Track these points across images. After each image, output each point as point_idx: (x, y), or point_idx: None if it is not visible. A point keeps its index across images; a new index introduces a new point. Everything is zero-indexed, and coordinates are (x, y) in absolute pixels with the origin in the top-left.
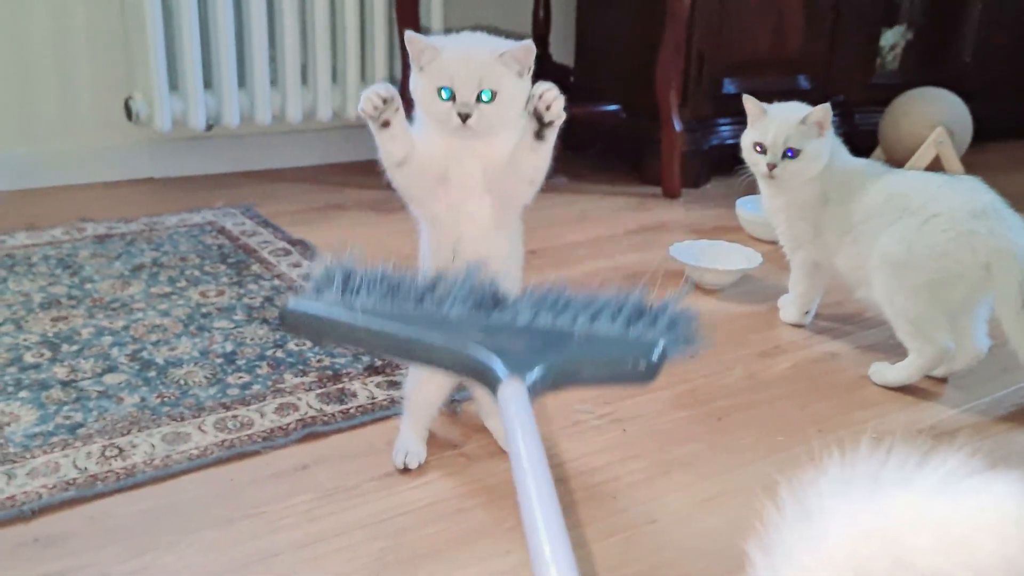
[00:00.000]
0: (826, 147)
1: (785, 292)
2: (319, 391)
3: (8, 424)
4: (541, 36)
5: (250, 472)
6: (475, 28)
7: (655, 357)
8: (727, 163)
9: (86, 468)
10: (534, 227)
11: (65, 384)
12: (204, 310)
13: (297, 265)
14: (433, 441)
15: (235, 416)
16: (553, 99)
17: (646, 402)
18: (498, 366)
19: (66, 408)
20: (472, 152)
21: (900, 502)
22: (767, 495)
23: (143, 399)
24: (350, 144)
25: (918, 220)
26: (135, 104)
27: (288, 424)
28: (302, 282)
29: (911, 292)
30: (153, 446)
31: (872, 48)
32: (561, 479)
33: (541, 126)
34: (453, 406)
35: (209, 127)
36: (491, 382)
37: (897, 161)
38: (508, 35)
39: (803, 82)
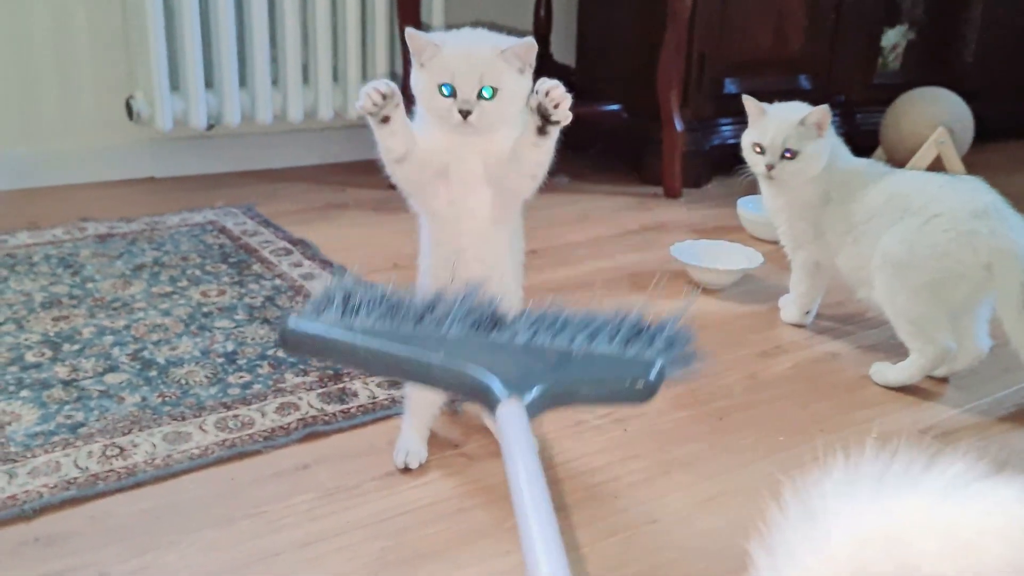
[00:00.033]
0: (825, 148)
1: (786, 292)
2: (320, 390)
3: (9, 423)
4: (542, 35)
5: (251, 472)
6: (476, 24)
7: (653, 376)
8: (728, 163)
9: (87, 467)
10: (534, 227)
11: (66, 383)
12: (205, 310)
13: (298, 265)
14: (434, 441)
15: (236, 415)
16: (561, 98)
17: None
18: (496, 386)
19: (67, 407)
20: (473, 148)
21: (905, 505)
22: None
23: (144, 398)
24: (351, 144)
25: (919, 220)
26: (136, 104)
27: (289, 423)
28: (302, 302)
29: (912, 292)
30: (154, 445)
31: (873, 48)
32: (562, 479)
33: (545, 123)
34: (454, 406)
35: (210, 127)
36: (489, 402)
37: (898, 161)
38: (509, 32)
39: (804, 82)
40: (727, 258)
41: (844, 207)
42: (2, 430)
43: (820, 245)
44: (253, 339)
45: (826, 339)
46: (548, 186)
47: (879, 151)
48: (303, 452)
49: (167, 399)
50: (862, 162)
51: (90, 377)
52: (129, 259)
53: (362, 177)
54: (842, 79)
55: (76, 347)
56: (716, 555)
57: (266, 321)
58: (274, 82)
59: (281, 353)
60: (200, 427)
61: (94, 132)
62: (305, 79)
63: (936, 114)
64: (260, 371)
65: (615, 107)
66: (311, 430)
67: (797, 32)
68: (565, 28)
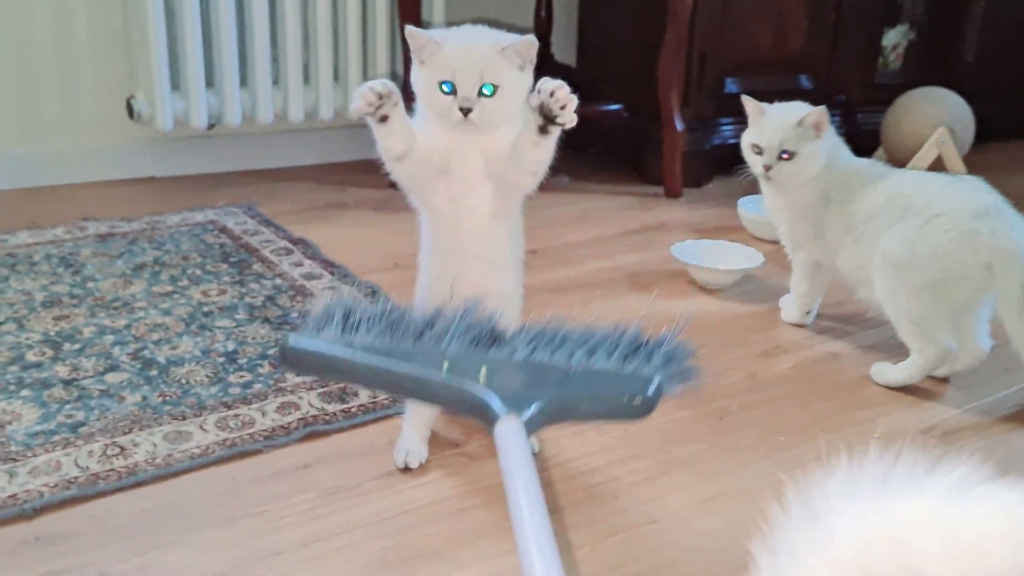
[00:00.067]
0: (823, 149)
1: (786, 292)
2: (320, 390)
3: (10, 423)
4: (543, 35)
5: (251, 471)
6: (476, 22)
7: (651, 392)
8: (729, 163)
9: (88, 467)
10: (535, 227)
11: (67, 383)
12: (206, 309)
13: (299, 264)
14: (434, 440)
15: (237, 415)
16: (567, 100)
17: None
18: (495, 403)
19: (68, 407)
20: (473, 145)
21: (909, 506)
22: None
23: (145, 398)
24: (352, 143)
25: (920, 220)
26: (137, 103)
27: (290, 423)
28: (302, 308)
29: (913, 292)
30: (155, 445)
31: (874, 48)
32: (562, 478)
33: (547, 122)
34: None
35: (211, 126)
36: (488, 419)
37: (899, 161)
38: (510, 29)
39: (805, 82)
40: (728, 258)
41: (845, 207)
42: (3, 429)
43: (820, 245)
44: (254, 338)
45: (827, 339)
46: (548, 186)
47: (880, 151)
48: (304, 451)
49: (168, 398)
50: (863, 162)
51: (91, 376)
52: (130, 258)
53: (363, 177)
54: (843, 79)
55: (77, 346)
56: (716, 555)
57: (267, 321)
58: (275, 82)
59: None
60: (201, 426)
61: (95, 132)
62: (306, 79)
63: (937, 114)
64: (261, 370)
65: (616, 107)
66: (312, 429)
67: (797, 32)
68: (566, 28)
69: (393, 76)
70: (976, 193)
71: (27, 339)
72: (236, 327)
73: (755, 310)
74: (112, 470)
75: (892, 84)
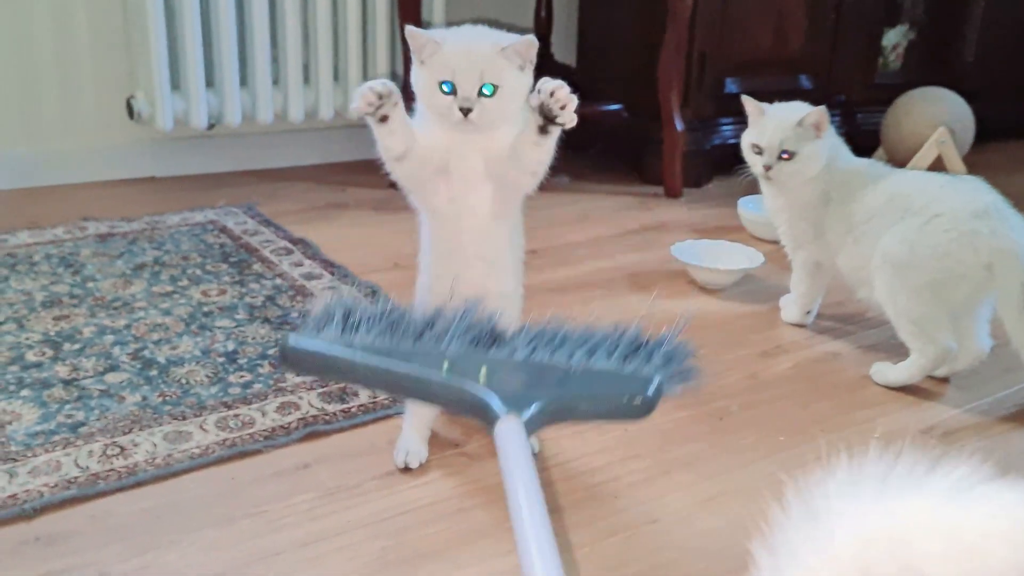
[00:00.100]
0: (823, 149)
1: (787, 292)
2: (320, 390)
3: (10, 423)
4: (543, 35)
5: (252, 471)
6: (476, 21)
7: (651, 392)
8: (729, 163)
9: (88, 467)
10: (535, 227)
11: (67, 383)
12: (206, 309)
13: (299, 264)
14: (434, 440)
15: (237, 415)
16: (567, 100)
17: None
18: (495, 403)
19: (68, 407)
20: (473, 145)
21: (909, 506)
22: (770, 495)
23: (145, 398)
24: (352, 143)
25: (920, 220)
26: (137, 103)
27: (290, 423)
28: (302, 307)
29: (913, 292)
30: (155, 445)
31: (874, 48)
32: (562, 478)
33: (547, 122)
34: None
35: (211, 126)
36: (488, 419)
37: (899, 161)
38: (510, 29)
39: (805, 82)
40: (728, 258)
41: (845, 207)
42: (3, 429)
43: (821, 245)
44: (254, 338)
45: (827, 339)
46: (548, 186)
47: (880, 151)
48: (304, 451)
49: (168, 398)
50: (863, 162)
51: (91, 376)
52: (130, 258)
53: (363, 177)
54: (843, 79)
55: (77, 346)
56: (716, 555)
57: (267, 320)
58: (275, 82)
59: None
60: (201, 426)
61: (95, 132)
62: (306, 79)
63: (937, 114)
64: (261, 370)
65: (616, 107)
66: (312, 429)
67: (797, 32)
68: (566, 28)
69: (393, 76)
70: (976, 193)
71: (27, 339)
72: (236, 327)
73: (755, 310)
74: (112, 470)
75: (892, 84)
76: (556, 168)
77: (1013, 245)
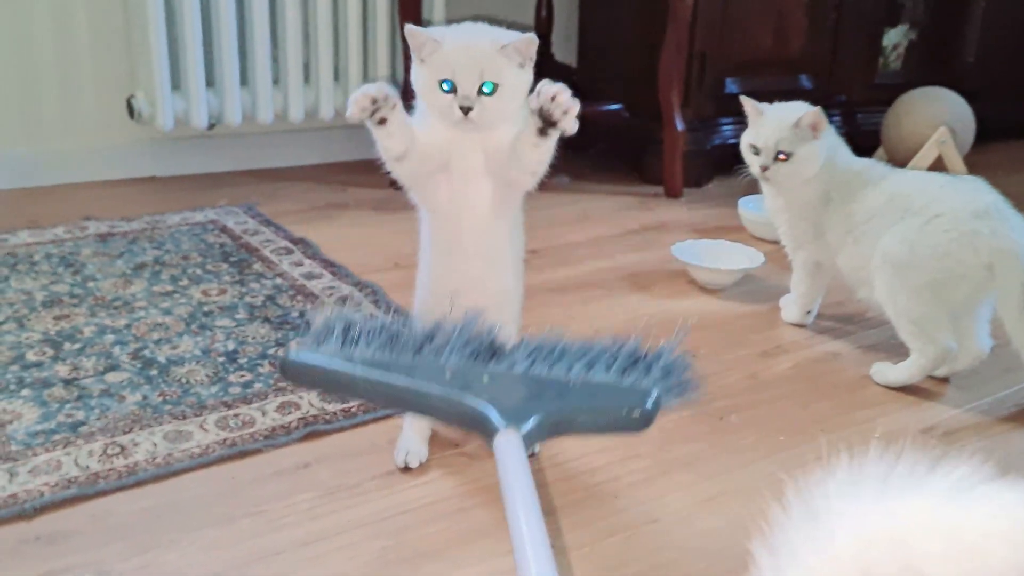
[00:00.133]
0: (820, 150)
1: (787, 292)
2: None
3: (10, 422)
4: (543, 35)
5: (252, 470)
6: (476, 19)
7: (649, 405)
8: (729, 163)
9: (88, 466)
10: (535, 227)
11: (67, 382)
12: (206, 309)
13: (299, 264)
14: (434, 440)
15: (237, 414)
16: (569, 105)
17: None
18: (494, 416)
19: (68, 406)
20: (474, 142)
21: (910, 506)
22: (770, 495)
23: (145, 397)
24: (352, 143)
25: (920, 220)
26: (137, 103)
27: (290, 422)
28: (302, 333)
29: (913, 292)
30: (155, 444)
31: (875, 48)
32: (562, 478)
33: (546, 125)
34: None
35: (211, 126)
36: (487, 432)
37: (899, 161)
38: (510, 27)
39: (805, 82)
40: (728, 258)
41: (845, 207)
42: (3, 429)
43: (821, 245)
44: (254, 338)
45: (827, 339)
46: (548, 186)
47: (880, 151)
48: (304, 451)
49: (168, 398)
50: (863, 162)
51: (91, 376)
52: (130, 258)
53: (363, 176)
54: (843, 79)
55: (77, 346)
56: (716, 555)
57: (267, 320)
58: (275, 81)
59: (283, 352)
60: (201, 426)
61: (95, 131)
62: (306, 78)
63: (937, 114)
64: (261, 370)
65: (616, 107)
66: (312, 429)
67: (798, 32)
68: (566, 27)
69: (393, 74)
70: (977, 193)
71: (27, 339)
72: (236, 327)
73: (755, 310)
74: (112, 469)
75: (893, 84)
76: (556, 168)
77: (1013, 245)
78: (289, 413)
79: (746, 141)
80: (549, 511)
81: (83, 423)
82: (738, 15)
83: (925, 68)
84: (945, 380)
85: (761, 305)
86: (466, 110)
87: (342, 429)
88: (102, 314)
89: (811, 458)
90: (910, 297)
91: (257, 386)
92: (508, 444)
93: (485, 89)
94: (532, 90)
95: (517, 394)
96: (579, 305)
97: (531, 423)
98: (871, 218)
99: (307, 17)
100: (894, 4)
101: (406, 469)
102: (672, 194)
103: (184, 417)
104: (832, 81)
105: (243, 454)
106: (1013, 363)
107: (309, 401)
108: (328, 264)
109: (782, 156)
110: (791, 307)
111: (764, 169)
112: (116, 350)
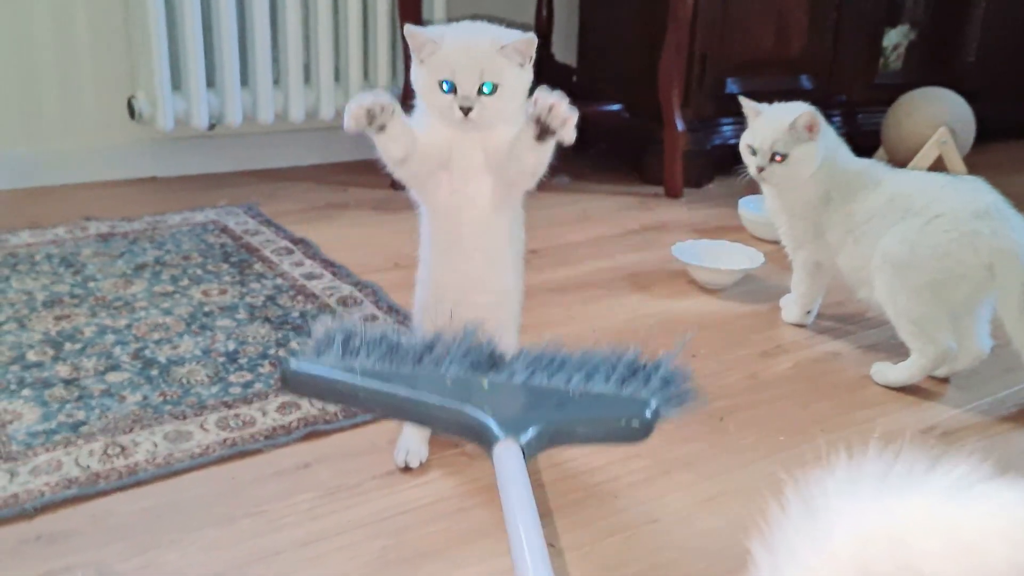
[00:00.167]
0: (816, 150)
1: (787, 292)
2: None
3: (11, 422)
4: (544, 35)
5: (252, 470)
6: (475, 17)
7: (648, 415)
8: (729, 163)
9: (88, 466)
10: (535, 227)
11: (68, 382)
12: (206, 309)
13: (299, 264)
14: (434, 440)
15: (237, 415)
16: (567, 116)
17: None
18: (494, 426)
19: (68, 406)
20: (474, 141)
21: (908, 505)
22: (770, 494)
23: (145, 397)
24: (352, 143)
25: (921, 220)
26: (138, 103)
27: (290, 422)
28: (303, 344)
29: (913, 292)
30: (155, 444)
31: (875, 48)
32: (562, 478)
33: (543, 133)
34: None
35: (212, 126)
36: (487, 442)
37: (900, 161)
38: (510, 26)
39: (806, 82)
40: (728, 258)
41: (845, 207)
42: (4, 429)
43: (821, 245)
44: (254, 338)
45: (827, 339)
46: (548, 186)
47: (880, 151)
48: (304, 451)
49: (168, 398)
50: (863, 162)
51: (91, 376)
52: (131, 258)
53: (363, 177)
54: (843, 79)
55: (77, 346)
56: (716, 555)
57: (267, 320)
58: (276, 82)
59: (283, 352)
60: (201, 426)
61: (96, 132)
62: (307, 79)
63: (937, 114)
64: (261, 370)
65: (616, 107)
66: (312, 429)
67: (798, 32)
68: (566, 27)
69: (394, 76)
70: (977, 193)
71: (28, 339)
72: (237, 327)
73: (755, 310)
74: (113, 469)
75: (893, 84)
76: (556, 168)
77: (1014, 245)
78: (289, 413)
79: (744, 142)
80: (549, 511)
81: (84, 423)
82: (738, 15)
83: (925, 68)
84: (945, 380)
85: (761, 305)
86: (466, 110)
87: (342, 429)
88: (103, 314)
89: (811, 458)
90: (910, 297)
91: (257, 386)
92: (507, 454)
93: (485, 89)
94: (532, 90)
95: (516, 404)
96: (579, 305)
97: (530, 433)
98: (871, 218)
99: (307, 17)
100: (894, 4)
101: (406, 469)
102: (672, 194)
103: (184, 417)
104: (832, 81)
105: (243, 454)
106: (1013, 363)
107: (309, 401)
108: (328, 264)
109: (778, 157)
110: (791, 307)
111: (760, 170)
112: (117, 350)
